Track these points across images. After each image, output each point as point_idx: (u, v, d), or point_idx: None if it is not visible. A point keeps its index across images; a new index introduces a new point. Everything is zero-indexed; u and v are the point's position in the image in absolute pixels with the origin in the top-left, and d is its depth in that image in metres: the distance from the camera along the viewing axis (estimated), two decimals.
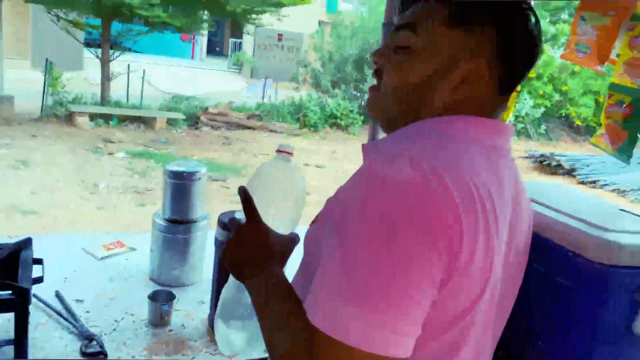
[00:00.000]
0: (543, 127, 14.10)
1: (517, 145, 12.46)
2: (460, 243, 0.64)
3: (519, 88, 0.89)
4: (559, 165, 10.23)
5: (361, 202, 0.65)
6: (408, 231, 0.62)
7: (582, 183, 9.51)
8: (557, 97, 13.93)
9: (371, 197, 0.64)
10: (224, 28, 24.42)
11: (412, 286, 0.62)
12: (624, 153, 1.61)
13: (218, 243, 1.55)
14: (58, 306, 1.57)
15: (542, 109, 13.63)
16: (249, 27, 12.98)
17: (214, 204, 4.76)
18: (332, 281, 0.64)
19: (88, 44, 12.98)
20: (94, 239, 2.09)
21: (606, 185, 9.26)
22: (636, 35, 1.56)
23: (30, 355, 1.31)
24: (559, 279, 1.12)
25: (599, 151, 1.73)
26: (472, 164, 0.71)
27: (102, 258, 1.95)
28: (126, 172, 6.94)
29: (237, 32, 20.95)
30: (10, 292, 1.23)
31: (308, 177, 7.72)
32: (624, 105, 1.61)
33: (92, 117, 9.66)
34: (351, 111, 12.23)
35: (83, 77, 13.46)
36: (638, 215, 1.33)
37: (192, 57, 21.99)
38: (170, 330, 1.56)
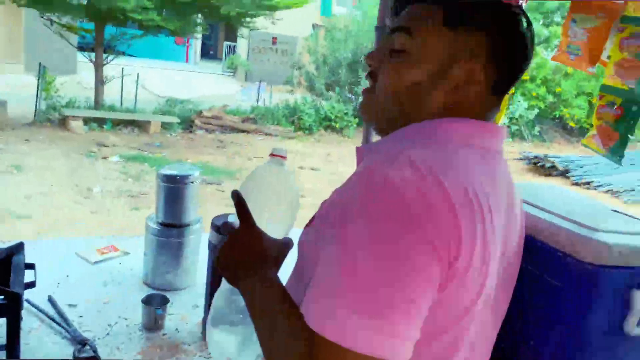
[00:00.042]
0: (537, 128, 14.15)
1: (511, 147, 12.50)
2: (459, 247, 0.65)
3: (512, 90, 0.89)
4: (553, 167, 10.26)
5: (362, 203, 0.65)
6: (409, 235, 0.62)
7: (576, 184, 9.54)
8: (550, 98, 13.99)
9: (372, 197, 0.64)
10: (218, 31, 24.41)
11: (413, 290, 0.62)
12: (615, 154, 1.62)
13: (211, 246, 1.54)
14: (51, 311, 1.56)
15: (536, 111, 13.69)
16: (243, 31, 12.95)
17: (208, 208, 4.75)
18: (331, 284, 0.64)
19: (81, 47, 12.93)
20: (88, 244, 2.09)
21: (600, 186, 9.29)
22: (626, 37, 1.57)
23: None
24: (550, 279, 1.13)
25: (592, 152, 1.74)
26: (469, 167, 0.71)
27: (96, 262, 1.94)
28: (120, 176, 6.91)
29: (232, 36, 20.93)
30: (2, 297, 1.22)
31: (303, 179, 7.72)
32: (615, 107, 1.62)
33: (86, 121, 9.63)
34: (346, 114, 12.24)
35: (77, 81, 13.41)
36: (630, 216, 1.33)
37: (187, 61, 21.95)
38: (164, 334, 1.56)
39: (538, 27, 13.82)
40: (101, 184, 6.43)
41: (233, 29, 14.42)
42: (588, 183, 9.46)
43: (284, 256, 0.85)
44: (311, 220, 0.83)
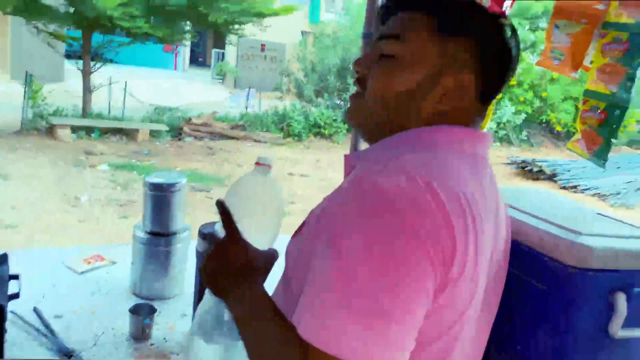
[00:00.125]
0: (524, 133, 14.27)
1: (499, 151, 12.58)
2: (453, 256, 0.65)
3: (499, 95, 0.90)
4: (541, 171, 10.34)
5: (356, 213, 0.64)
6: (405, 245, 0.62)
7: (564, 188, 9.62)
8: (537, 103, 14.12)
9: (366, 207, 0.64)
10: (207, 39, 24.40)
11: (409, 300, 0.62)
12: (599, 158, 1.64)
13: (199, 254, 1.54)
14: (36, 322, 1.54)
15: (523, 116, 13.80)
16: (231, 38, 12.95)
17: (197, 215, 4.72)
18: (325, 295, 0.63)
19: (69, 55, 12.85)
20: (74, 253, 2.07)
21: (587, 189, 9.37)
22: (608, 42, 1.60)
23: None
24: (536, 283, 1.14)
25: (578, 156, 1.76)
26: (460, 174, 0.72)
27: (83, 272, 1.93)
28: (108, 185, 6.86)
29: (220, 43, 20.94)
30: None
31: (293, 186, 7.71)
32: (599, 111, 1.64)
33: (74, 129, 9.56)
34: (335, 120, 12.26)
35: (64, 89, 13.32)
36: (614, 219, 1.35)
37: (175, 68, 21.91)
38: (152, 344, 1.54)
39: (524, 32, 13.97)
40: (89, 192, 6.38)
41: (221, 36, 14.44)
42: (575, 187, 9.53)
43: (270, 267, 0.84)
44: (299, 229, 0.82)
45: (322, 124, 12.15)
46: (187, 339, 0.83)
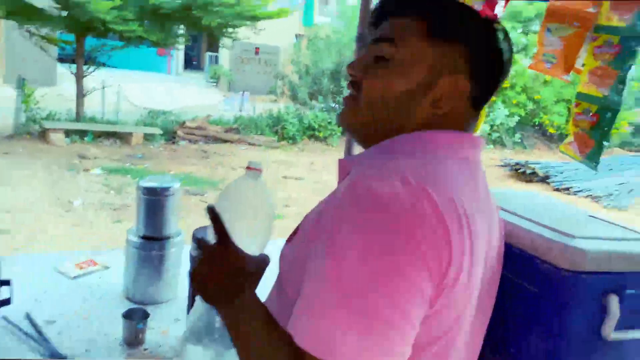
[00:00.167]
0: (518, 135, 14.33)
1: (492, 154, 12.62)
2: (449, 260, 0.65)
3: (492, 99, 0.91)
4: (534, 173, 10.38)
5: (353, 219, 0.64)
6: (402, 251, 0.62)
7: (557, 190, 9.66)
8: (530, 106, 14.19)
9: (363, 213, 0.64)
10: (201, 42, 24.37)
11: (406, 307, 0.62)
12: (592, 160, 1.64)
13: (192, 259, 1.53)
14: (28, 328, 1.53)
15: (517, 118, 13.86)
16: (225, 41, 12.95)
17: (191, 219, 4.71)
18: (322, 302, 0.62)
19: (62, 59, 12.81)
20: (67, 258, 2.06)
21: (580, 191, 9.42)
22: (599, 45, 1.60)
23: None
24: (529, 286, 1.14)
25: (571, 158, 1.76)
26: (455, 180, 0.72)
27: (75, 277, 1.92)
28: (102, 189, 6.83)
29: (214, 46, 20.93)
30: None
31: (287, 189, 7.70)
32: (591, 114, 1.64)
33: (67, 133, 9.52)
34: (329, 123, 12.27)
35: (57, 93, 13.26)
36: (606, 221, 1.35)
37: (169, 72, 21.87)
38: (145, 349, 1.54)
39: (517, 35, 14.03)
40: (83, 196, 6.35)
41: (215, 40, 14.42)
42: (568, 189, 9.58)
43: (262, 273, 0.83)
44: (294, 233, 0.82)
45: (317, 126, 12.15)
46: (180, 344, 0.83)
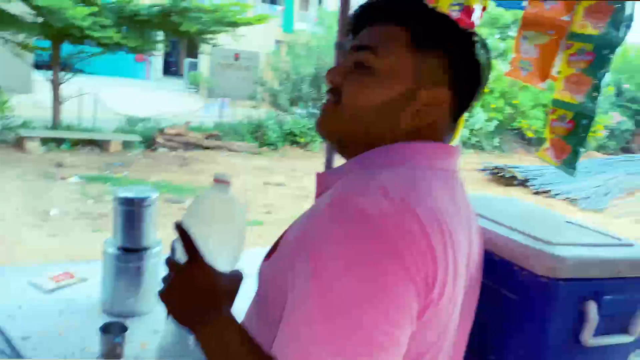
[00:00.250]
0: (496, 139, 14.51)
1: (472, 158, 12.75)
2: (435, 277, 0.65)
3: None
4: (513, 177, 10.51)
5: (337, 237, 0.63)
6: (389, 270, 0.61)
7: (536, 193, 9.79)
8: (509, 110, 14.39)
9: (348, 231, 0.62)
10: (180, 48, 24.23)
11: (396, 328, 0.61)
12: (568, 166, 1.67)
13: (162, 279, 1.51)
14: (2, 345, 1.49)
15: (495, 122, 14.04)
16: (204, 47, 12.89)
17: (172, 227, 4.62)
18: (308, 325, 0.61)
19: (38, 66, 12.62)
20: (42, 271, 2.01)
21: (558, 194, 9.56)
22: (573, 53, 1.63)
23: None
24: (507, 293, 1.15)
25: None
26: (436, 193, 0.71)
27: (51, 291, 1.87)
28: (80, 198, 6.72)
29: (193, 52, 20.83)
30: None
31: (268, 196, 7.67)
32: (567, 120, 1.67)
33: (43, 141, 9.35)
34: (310, 129, 12.28)
35: (33, 101, 13.04)
36: (583, 226, 1.37)
37: (147, 78, 21.69)
38: None
39: (494, 41, 14.24)
40: (60, 206, 6.24)
41: (195, 46, 14.35)
42: (547, 192, 9.72)
43: (237, 290, 0.80)
44: (274, 248, 0.80)
45: (298, 132, 12.15)
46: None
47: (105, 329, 1.58)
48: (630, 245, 1.23)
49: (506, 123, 14.60)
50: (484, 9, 1.99)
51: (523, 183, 10.27)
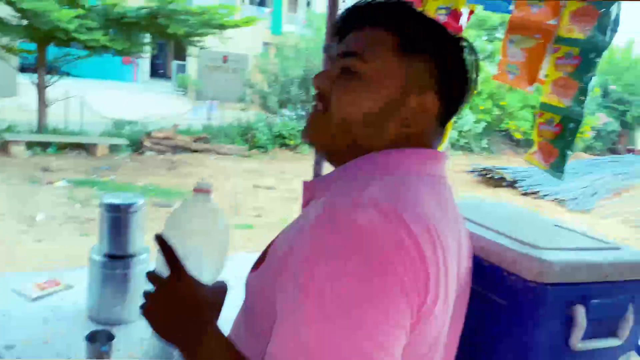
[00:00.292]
0: (485, 141, 14.60)
1: (460, 159, 12.82)
2: (427, 289, 0.64)
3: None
4: (502, 178, 10.57)
5: (329, 251, 0.61)
6: (382, 283, 0.60)
7: (525, 194, 9.86)
8: (496, 112, 14.49)
9: (340, 245, 0.61)
10: (167, 50, 24.12)
11: (390, 342, 0.60)
12: (556, 170, 1.67)
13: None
14: None
15: (484, 124, 14.13)
16: (192, 49, 12.84)
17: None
18: (298, 340, 0.60)
19: (23, 69, 12.49)
20: (26, 279, 1.98)
21: (547, 195, 9.64)
22: (560, 57, 1.63)
23: None
24: (496, 298, 1.14)
25: None
26: (426, 201, 0.71)
27: (36, 299, 1.85)
28: (67, 202, 6.65)
29: (181, 54, 20.75)
30: None
31: (258, 199, 7.65)
32: (554, 124, 1.67)
33: (29, 145, 9.26)
34: (299, 131, 12.27)
35: (18, 104, 12.91)
36: (571, 230, 1.37)
37: (135, 80, 21.55)
38: None
39: (481, 43, 14.33)
40: (46, 210, 6.17)
41: (182, 48, 14.29)
42: (535, 193, 9.79)
43: (222, 302, 0.79)
44: (261, 258, 0.78)
45: (287, 135, 12.14)
46: None
47: (92, 338, 1.55)
48: (617, 248, 1.24)
49: (494, 124, 14.70)
50: (471, 12, 1.99)
51: (512, 184, 10.34)
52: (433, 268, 0.65)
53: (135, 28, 10.69)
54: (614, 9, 1.51)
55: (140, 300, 0.74)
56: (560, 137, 1.64)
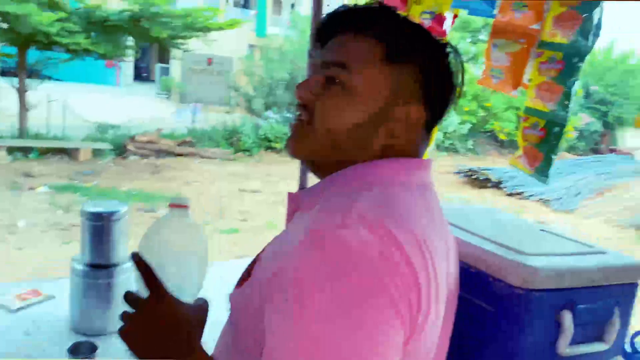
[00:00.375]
0: (470, 142, 14.71)
1: (446, 161, 12.90)
2: (419, 305, 0.63)
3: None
4: (487, 179, 10.66)
5: (319, 271, 0.59)
6: (374, 301, 0.59)
7: (510, 195, 9.94)
8: (481, 113, 14.61)
9: (329, 263, 0.59)
10: (150, 53, 23.95)
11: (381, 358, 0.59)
12: (541, 174, 1.67)
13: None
14: None
15: (469, 125, 14.24)
16: (176, 52, 12.76)
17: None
18: None
19: (4, 72, 12.31)
20: (6, 289, 1.93)
21: (532, 195, 9.74)
22: (544, 61, 1.64)
23: None
24: (483, 304, 1.14)
25: None
26: (414, 212, 0.70)
27: (16, 310, 1.80)
28: (49, 208, 6.56)
29: (164, 57, 20.62)
30: None
31: (244, 203, 7.61)
32: (539, 128, 1.68)
33: (10, 150, 9.12)
34: (285, 134, 12.26)
35: None
36: (557, 235, 1.38)
37: (118, 84, 21.35)
38: None
39: (465, 45, 14.44)
40: (28, 217, 6.08)
41: (166, 51, 14.20)
42: (520, 193, 9.88)
43: (204, 321, 0.77)
44: (247, 275, 0.76)
45: (273, 138, 12.11)
46: None
47: (74, 349, 1.51)
48: (603, 252, 1.24)
49: (479, 126, 14.83)
50: (455, 17, 1.99)
51: (497, 185, 10.43)
52: (425, 288, 0.64)
53: (118, 31, 10.60)
54: (596, 13, 1.52)
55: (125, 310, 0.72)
56: (545, 141, 1.65)
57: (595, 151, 16.94)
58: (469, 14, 2.08)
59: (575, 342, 1.12)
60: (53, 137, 10.39)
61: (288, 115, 13.33)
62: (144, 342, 0.70)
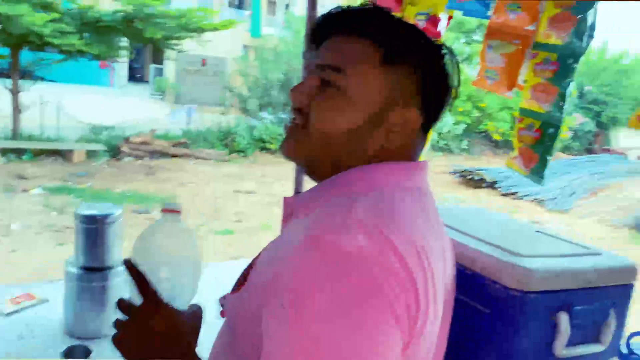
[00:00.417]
0: (465, 142, 14.75)
1: (441, 161, 12.92)
2: (417, 311, 0.63)
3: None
4: (482, 179, 10.69)
5: (317, 278, 0.59)
6: (373, 307, 0.59)
7: (505, 195, 9.97)
8: (476, 113, 14.65)
9: (328, 271, 0.59)
10: (145, 54, 23.89)
11: None
12: (537, 175, 1.68)
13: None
14: None
15: (463, 126, 14.28)
16: (170, 53, 12.73)
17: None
18: None
19: None
20: None
21: (526, 195, 9.76)
22: (539, 63, 1.64)
23: None
24: (479, 306, 1.14)
25: None
26: (410, 216, 0.69)
27: (9, 314, 1.79)
28: (43, 210, 6.52)
29: (159, 58, 20.56)
30: None
31: (239, 204, 7.60)
32: (534, 129, 1.68)
33: (3, 152, 9.07)
34: (280, 135, 12.24)
35: None
36: (553, 236, 1.38)
37: (112, 85, 21.28)
38: None
39: (460, 45, 14.48)
40: (22, 219, 6.04)
41: (160, 52, 14.17)
42: (515, 193, 9.91)
43: (199, 327, 0.76)
44: (243, 280, 0.76)
45: (267, 138, 12.10)
46: None
47: (68, 353, 1.51)
48: (598, 254, 1.24)
49: (474, 126, 14.87)
50: (449, 18, 2.00)
51: (491, 185, 10.46)
52: (422, 293, 0.64)
53: (111, 32, 10.55)
54: (590, 14, 1.52)
55: (119, 313, 0.71)
56: (540, 142, 1.65)
57: (589, 151, 17.02)
58: (464, 15, 2.08)
59: (571, 343, 1.12)
60: (47, 138, 10.34)
61: (283, 116, 13.32)
62: (137, 350, 0.70)
